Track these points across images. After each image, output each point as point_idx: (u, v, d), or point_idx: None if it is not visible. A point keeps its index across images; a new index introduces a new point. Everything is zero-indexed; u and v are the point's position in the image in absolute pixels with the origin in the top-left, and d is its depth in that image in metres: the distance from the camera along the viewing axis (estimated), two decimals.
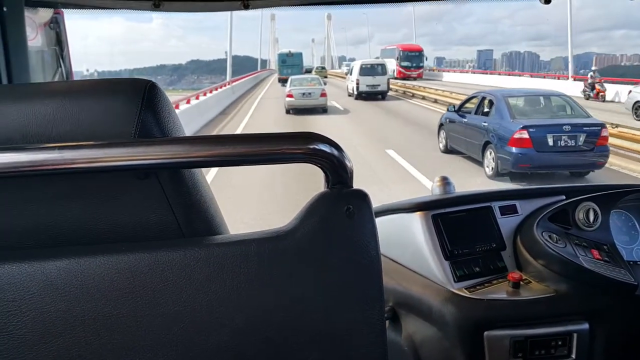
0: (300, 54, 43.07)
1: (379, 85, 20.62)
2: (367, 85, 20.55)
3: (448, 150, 8.93)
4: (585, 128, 6.68)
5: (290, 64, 39.91)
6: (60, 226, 0.55)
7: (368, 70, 20.78)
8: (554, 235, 1.17)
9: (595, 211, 1.21)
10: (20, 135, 0.53)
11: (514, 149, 6.65)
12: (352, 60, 37.21)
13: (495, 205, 1.27)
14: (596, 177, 6.95)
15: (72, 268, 0.52)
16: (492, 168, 7.09)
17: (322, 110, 16.26)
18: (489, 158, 7.20)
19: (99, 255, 0.52)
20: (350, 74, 22.39)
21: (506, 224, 1.25)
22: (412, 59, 36.69)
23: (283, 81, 27.48)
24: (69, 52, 1.42)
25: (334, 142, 0.57)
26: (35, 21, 1.28)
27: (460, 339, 1.13)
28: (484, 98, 7.95)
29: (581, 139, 6.60)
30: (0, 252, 0.54)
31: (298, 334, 0.55)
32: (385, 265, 0.57)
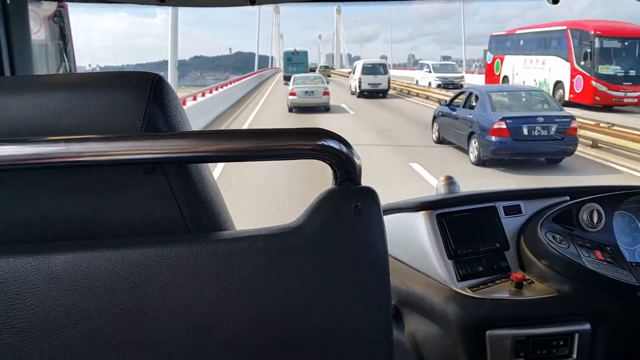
0: (306, 52, 43.94)
1: (380, 84, 21.62)
2: (369, 84, 21.56)
3: (440, 141, 9.82)
4: (556, 120, 7.59)
5: (296, 62, 40.73)
6: (65, 220, 0.55)
7: (370, 69, 21.80)
8: (558, 235, 1.19)
9: (599, 212, 1.22)
10: (25, 127, 0.53)
11: (493, 138, 7.56)
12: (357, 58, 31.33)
13: (500, 206, 1.28)
14: (571, 164, 7.84)
15: (77, 262, 0.52)
16: (476, 155, 7.99)
17: (325, 108, 16.42)
18: (473, 146, 8.10)
19: (105, 249, 0.52)
20: (354, 73, 23.37)
21: (510, 224, 1.27)
22: (623, 56, 15.20)
23: (288, 79, 25.99)
24: (73, 47, 1.41)
25: (342, 138, 0.56)
26: (39, 14, 1.26)
27: (462, 338, 1.15)
28: (470, 93, 8.86)
29: (553, 129, 7.50)
30: (6, 245, 0.54)
31: (304, 330, 0.55)
32: (389, 264, 0.59)
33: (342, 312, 0.55)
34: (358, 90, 21.71)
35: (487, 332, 1.13)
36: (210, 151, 0.53)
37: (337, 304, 0.55)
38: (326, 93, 16.43)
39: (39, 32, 1.26)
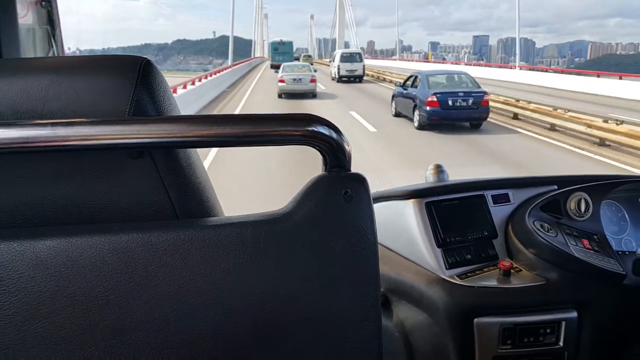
0: (291, 42, 47.81)
1: (356, 70, 24.80)
2: (347, 70, 24.73)
3: (397, 115, 12.63)
4: (473, 94, 10.49)
5: (282, 51, 44.47)
6: (51, 205, 0.55)
7: (347, 57, 25.17)
8: (546, 224, 1.19)
9: (586, 201, 1.22)
10: (11, 110, 0.52)
11: (428, 108, 10.39)
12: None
13: (488, 194, 1.29)
14: (488, 128, 10.69)
15: (63, 247, 0.51)
16: (418, 121, 10.82)
17: (312, 95, 17.28)
18: (416, 115, 10.94)
19: (91, 235, 0.52)
20: (333, 61, 26.50)
21: (498, 213, 1.27)
22: None
23: (275, 67, 27.73)
24: (61, 32, 1.37)
25: (332, 124, 0.56)
26: None
27: (450, 326, 1.16)
28: (416, 77, 11.70)
29: (470, 101, 10.39)
30: None
31: (292, 317, 0.55)
32: (379, 252, 0.57)
33: (330, 299, 0.55)
34: (337, 76, 24.78)
35: (475, 319, 1.15)
36: (198, 136, 0.52)
37: (325, 291, 0.55)
38: (313, 80, 17.35)
39: (26, 16, 1.22)
